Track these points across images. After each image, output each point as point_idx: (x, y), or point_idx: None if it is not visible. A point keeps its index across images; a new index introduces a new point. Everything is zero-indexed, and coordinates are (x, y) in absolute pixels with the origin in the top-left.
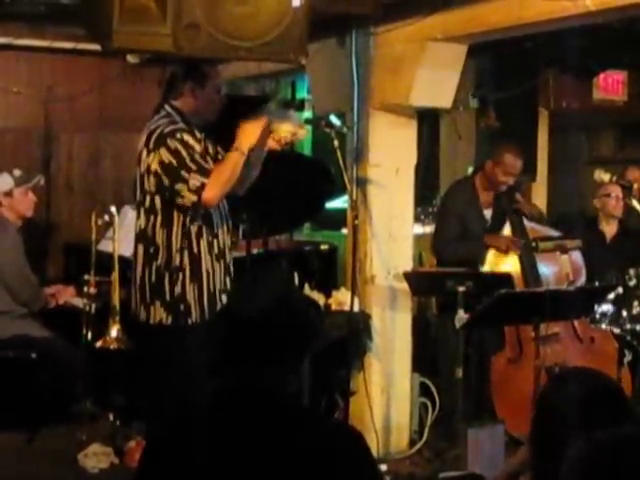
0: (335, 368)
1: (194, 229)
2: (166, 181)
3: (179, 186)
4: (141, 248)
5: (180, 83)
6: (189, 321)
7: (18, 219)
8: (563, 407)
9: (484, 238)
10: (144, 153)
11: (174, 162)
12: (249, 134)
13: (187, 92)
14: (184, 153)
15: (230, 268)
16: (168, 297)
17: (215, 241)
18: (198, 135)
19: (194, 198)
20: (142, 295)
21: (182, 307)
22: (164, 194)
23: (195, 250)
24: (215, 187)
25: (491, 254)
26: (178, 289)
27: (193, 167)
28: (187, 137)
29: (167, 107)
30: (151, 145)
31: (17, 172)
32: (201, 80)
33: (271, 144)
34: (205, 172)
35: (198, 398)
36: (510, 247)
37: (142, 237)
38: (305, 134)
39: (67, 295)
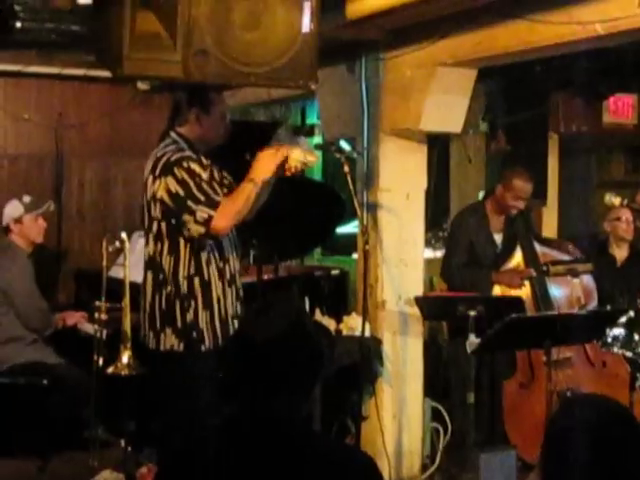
0: (346, 393)
1: (203, 256)
2: (174, 210)
3: (186, 217)
4: (150, 275)
5: (185, 110)
6: (202, 348)
7: (28, 245)
8: (572, 433)
9: (492, 276)
10: (150, 180)
11: (181, 192)
12: (265, 165)
13: (192, 119)
14: (191, 183)
15: (240, 293)
16: (180, 324)
17: (226, 267)
18: (205, 162)
19: (201, 230)
20: (152, 322)
21: (195, 334)
22: (170, 221)
23: (206, 277)
24: (226, 217)
25: (498, 287)
26: (190, 316)
27: (201, 198)
28: (194, 165)
29: (173, 134)
30: (157, 172)
31: (27, 198)
32: (206, 106)
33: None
34: (213, 203)
35: (209, 425)
36: (520, 285)
37: (151, 264)
38: (315, 161)
39: (76, 318)
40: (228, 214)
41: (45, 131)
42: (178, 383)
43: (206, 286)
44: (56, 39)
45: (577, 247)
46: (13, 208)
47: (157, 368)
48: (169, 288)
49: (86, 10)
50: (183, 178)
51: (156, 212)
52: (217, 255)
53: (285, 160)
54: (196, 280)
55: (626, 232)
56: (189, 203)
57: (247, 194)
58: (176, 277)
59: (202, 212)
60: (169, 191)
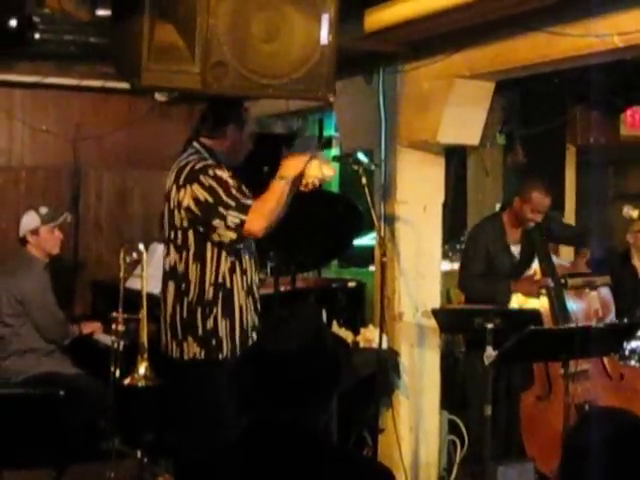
0: (363, 405)
1: (227, 265)
2: (201, 217)
3: (217, 222)
4: (172, 285)
5: (220, 123)
6: (220, 356)
7: (45, 256)
8: (590, 448)
9: (511, 285)
10: (174, 189)
11: (210, 199)
12: (293, 165)
13: (225, 133)
14: (219, 190)
15: (258, 305)
16: (201, 331)
17: (244, 277)
18: (227, 172)
19: (233, 235)
20: (173, 332)
21: (214, 342)
22: (197, 229)
23: (228, 285)
24: (261, 218)
25: (517, 295)
26: (210, 323)
27: (232, 204)
28: (220, 172)
29: (196, 144)
30: (181, 181)
31: (43, 209)
32: (241, 123)
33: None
34: (244, 209)
35: (228, 435)
36: (539, 292)
37: (172, 274)
38: (333, 175)
39: (92, 327)
40: (262, 215)
41: (63, 142)
42: (201, 391)
43: (228, 294)
44: (74, 50)
45: (593, 259)
46: (30, 219)
47: (181, 378)
48: (191, 296)
49: (105, 22)
50: (210, 185)
51: (181, 221)
52: (240, 264)
53: (301, 175)
54: (220, 288)
55: None
56: (220, 209)
57: (280, 191)
58: (202, 284)
59: (233, 217)
60: (196, 199)
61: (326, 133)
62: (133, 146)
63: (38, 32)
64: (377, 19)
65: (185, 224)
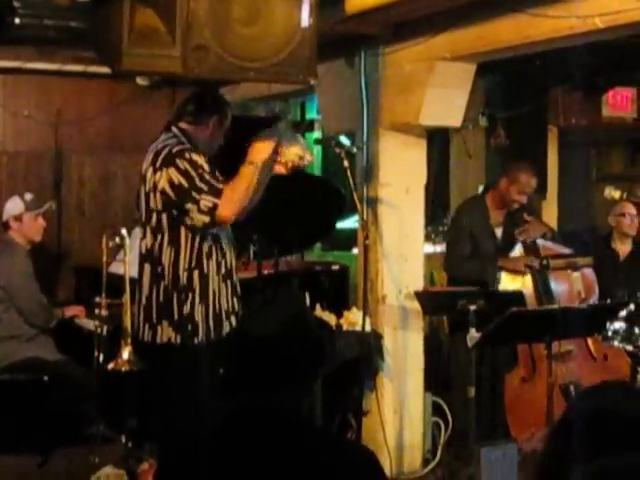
0: (347, 388)
1: (204, 249)
2: (176, 201)
3: (189, 206)
4: (148, 267)
5: (204, 113)
6: (195, 340)
7: (27, 243)
8: (569, 429)
9: (499, 261)
10: (150, 171)
11: (184, 183)
12: (261, 150)
13: (207, 123)
14: (193, 173)
15: (237, 289)
16: (177, 316)
17: (223, 261)
18: (203, 157)
19: (206, 219)
20: (147, 315)
21: (190, 327)
22: (171, 212)
23: (205, 270)
24: (230, 204)
25: (504, 274)
26: (187, 308)
27: (204, 188)
28: (195, 157)
29: (174, 129)
30: (158, 164)
31: (28, 196)
32: (224, 117)
33: (278, 168)
34: (217, 192)
35: (208, 419)
36: (527, 270)
37: (148, 256)
38: (312, 160)
39: (75, 310)
40: (232, 201)
41: (44, 128)
42: (175, 376)
43: (204, 279)
44: (55, 35)
45: (577, 240)
46: (14, 205)
47: (153, 361)
48: (166, 280)
49: (85, 6)
50: (186, 169)
51: (156, 204)
52: (217, 249)
53: (280, 156)
54: (195, 273)
55: (630, 227)
56: (192, 193)
57: (249, 177)
58: (176, 269)
59: (206, 201)
60: (171, 182)
61: (308, 116)
62: (115, 131)
63: (18, 17)
64: (358, 1)
65: (159, 207)
